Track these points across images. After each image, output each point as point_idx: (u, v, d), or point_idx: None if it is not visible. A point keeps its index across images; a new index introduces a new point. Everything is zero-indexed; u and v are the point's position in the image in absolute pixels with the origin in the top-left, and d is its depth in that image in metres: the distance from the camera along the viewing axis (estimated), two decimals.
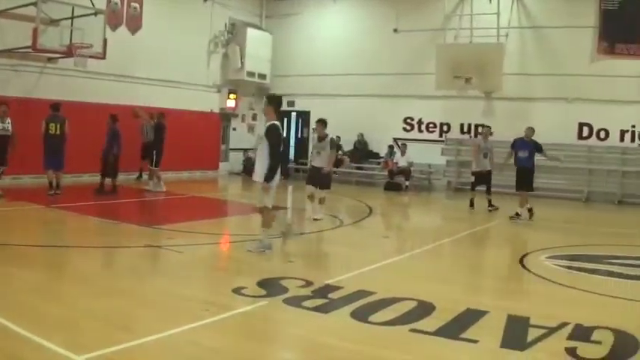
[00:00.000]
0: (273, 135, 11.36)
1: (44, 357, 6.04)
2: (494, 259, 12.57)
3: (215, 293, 9.05)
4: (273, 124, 11.46)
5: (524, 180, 18.20)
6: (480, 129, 18.39)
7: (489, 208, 19.87)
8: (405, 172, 26.29)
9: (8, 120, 17.38)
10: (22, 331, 6.57)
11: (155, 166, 20.63)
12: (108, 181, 19.81)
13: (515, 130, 25.24)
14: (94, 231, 13.94)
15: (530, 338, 6.99)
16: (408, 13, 28.06)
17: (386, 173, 27.17)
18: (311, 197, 16.68)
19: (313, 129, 20.63)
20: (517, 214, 17.88)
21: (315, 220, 15.88)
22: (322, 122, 16.42)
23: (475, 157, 20.32)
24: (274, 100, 12.01)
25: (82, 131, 20.73)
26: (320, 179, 16.25)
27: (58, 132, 18.39)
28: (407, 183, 26.31)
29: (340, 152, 29.23)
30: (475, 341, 6.77)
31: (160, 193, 20.38)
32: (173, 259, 11.35)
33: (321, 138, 16.36)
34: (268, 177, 11.47)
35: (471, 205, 20.35)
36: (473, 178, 20.95)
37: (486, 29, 25.60)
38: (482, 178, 20.28)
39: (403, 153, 26.80)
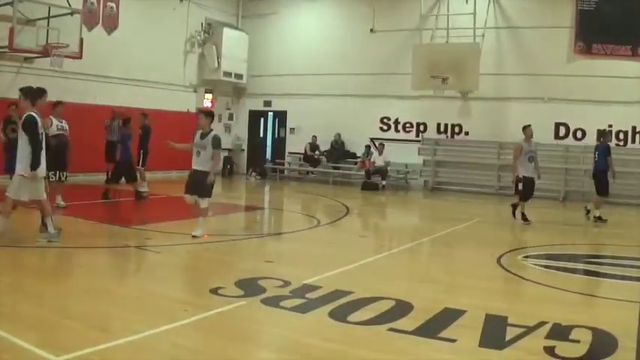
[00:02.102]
0: (27, 129, 11.57)
1: (21, 357, 6.01)
2: (472, 259, 12.57)
3: (193, 293, 9.04)
4: (29, 115, 11.57)
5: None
6: (525, 129, 16.88)
7: (524, 222, 17.32)
8: (382, 172, 26.33)
9: (65, 120, 16.89)
10: None
11: (142, 166, 20.56)
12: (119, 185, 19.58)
13: (490, 130, 25.48)
14: (71, 231, 13.86)
15: (508, 337, 6.99)
16: (384, 13, 28.06)
17: (363, 173, 27.19)
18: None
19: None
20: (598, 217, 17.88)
21: (194, 237, 12.83)
22: (206, 114, 13.73)
23: (518, 161, 17.48)
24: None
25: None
26: (200, 185, 13.12)
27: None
28: (384, 183, 26.34)
29: (317, 152, 29.30)
30: (453, 340, 6.77)
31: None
32: (151, 260, 11.33)
33: (204, 134, 13.28)
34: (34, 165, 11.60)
35: (525, 219, 17.32)
36: (514, 185, 18.03)
37: (463, 29, 25.71)
38: (532, 186, 17.66)
39: (380, 152, 26.82)
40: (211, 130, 13.32)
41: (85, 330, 6.56)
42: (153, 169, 23.42)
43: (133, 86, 25.90)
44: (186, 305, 7.91)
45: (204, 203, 13.04)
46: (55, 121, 16.38)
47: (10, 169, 16.75)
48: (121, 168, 19.27)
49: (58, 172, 16.10)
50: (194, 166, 13.28)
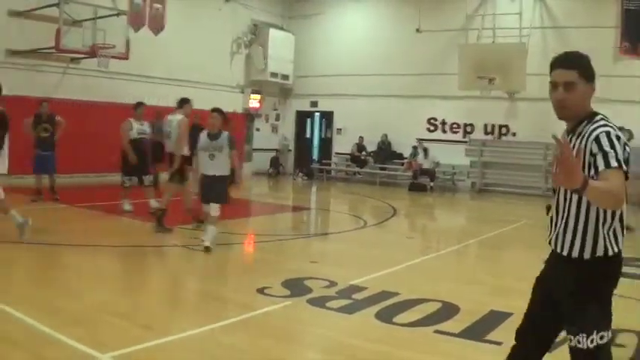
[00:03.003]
0: None
1: (66, 354, 6.10)
2: (519, 261, 12.49)
3: (239, 293, 9.08)
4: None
5: None
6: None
7: None
8: (430, 173, 26.26)
9: (146, 123, 16.35)
10: (44, 328, 6.65)
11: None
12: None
13: (536, 131, 25.22)
14: (121, 230, 14.01)
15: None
16: (430, 13, 27.93)
17: (410, 174, 27.15)
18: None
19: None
20: None
21: (207, 248, 11.51)
22: (221, 112, 12.57)
23: None
24: None
25: (103, 131, 20.89)
26: (218, 192, 11.87)
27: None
28: (431, 184, 26.28)
29: (364, 153, 29.29)
30: (499, 343, 6.73)
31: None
32: (197, 259, 11.41)
33: (213, 135, 11.95)
34: None
35: None
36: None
37: (509, 29, 25.45)
38: None
39: (426, 155, 26.74)
40: (220, 130, 11.98)
41: (131, 327, 6.63)
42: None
43: (178, 87, 25.99)
44: (232, 304, 7.98)
45: (217, 211, 11.77)
46: (135, 125, 15.67)
47: (41, 169, 16.90)
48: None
49: (139, 176, 15.77)
50: (209, 172, 11.80)
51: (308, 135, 33.80)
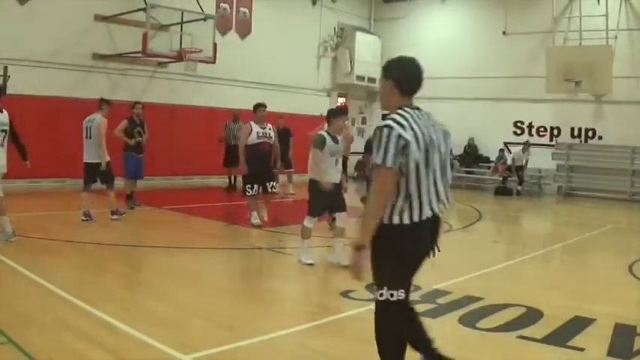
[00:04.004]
0: None
1: (148, 355, 6.29)
2: (604, 266, 12.39)
3: (323, 296, 9.22)
4: None
5: None
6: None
7: None
8: (520, 174, 26.16)
9: (270, 125, 15.16)
10: (127, 328, 6.86)
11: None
12: None
13: (623, 135, 24.87)
14: (203, 232, 14.26)
15: (636, 347, 6.96)
16: (516, 16, 27.75)
17: (497, 177, 27.03)
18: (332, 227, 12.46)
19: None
20: None
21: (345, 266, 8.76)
22: (346, 113, 12.45)
23: None
24: None
25: (191, 135, 21.29)
26: (342, 201, 11.20)
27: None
28: (519, 187, 26.15)
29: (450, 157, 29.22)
30: (582, 349, 6.76)
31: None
32: (282, 261, 11.58)
33: (336, 138, 11.06)
34: None
35: None
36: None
37: (595, 31, 25.08)
38: None
39: (524, 150, 26.48)
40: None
41: (214, 329, 6.77)
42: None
43: (265, 90, 26.29)
44: (316, 307, 8.11)
45: (346, 222, 11.02)
46: (255, 128, 14.66)
47: (136, 173, 17.00)
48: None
49: (261, 184, 14.56)
50: (333, 179, 10.89)
51: None
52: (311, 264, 10.64)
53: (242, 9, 26.19)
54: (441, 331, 7.44)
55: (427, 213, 5.01)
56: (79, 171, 17.17)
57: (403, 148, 4.74)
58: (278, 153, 15.75)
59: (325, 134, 10.90)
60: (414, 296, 8.73)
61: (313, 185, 10.83)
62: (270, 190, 14.91)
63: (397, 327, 5.25)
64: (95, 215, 14.46)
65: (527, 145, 26.66)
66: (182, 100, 23.05)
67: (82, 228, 13.67)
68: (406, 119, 4.90)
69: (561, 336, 7.25)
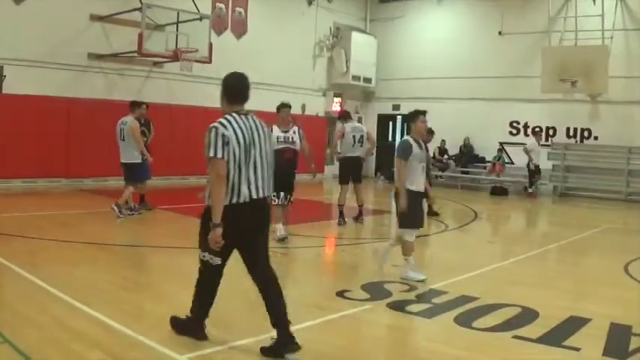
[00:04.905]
0: None
1: (145, 355, 6.31)
2: (599, 266, 12.41)
3: (319, 296, 9.20)
4: None
5: None
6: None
7: None
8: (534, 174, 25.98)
9: (295, 128, 13.42)
10: (124, 329, 6.88)
11: None
12: None
13: (619, 135, 24.91)
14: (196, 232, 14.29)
15: (632, 347, 6.97)
16: (512, 16, 27.83)
17: (493, 177, 27.10)
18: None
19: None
20: None
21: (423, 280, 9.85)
22: (421, 113, 10.88)
23: None
24: None
25: (188, 135, 21.32)
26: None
27: None
28: (532, 188, 26.05)
29: (445, 156, 29.26)
30: (578, 349, 6.77)
31: None
32: (277, 261, 11.58)
33: (420, 143, 10.38)
34: None
35: None
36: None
37: (591, 31, 25.11)
38: None
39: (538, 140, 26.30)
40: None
41: (210, 329, 6.75)
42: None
43: (261, 90, 26.28)
44: (311, 307, 8.12)
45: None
46: (276, 132, 12.98)
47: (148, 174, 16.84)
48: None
49: (281, 193, 12.87)
50: (421, 187, 10.25)
51: (390, 138, 33.83)
52: (423, 280, 9.80)
53: (238, 9, 26.25)
54: (437, 331, 7.49)
55: (246, 197, 6.23)
56: (75, 170, 17.26)
57: (227, 144, 6.10)
58: (307, 155, 13.89)
59: (411, 140, 10.15)
60: (409, 296, 8.79)
61: (411, 196, 9.87)
62: (286, 202, 13.13)
63: (211, 276, 6.76)
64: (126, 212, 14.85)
65: (539, 135, 26.63)
66: (178, 100, 23.08)
67: (77, 228, 13.66)
68: (229, 121, 6.30)
69: (557, 336, 7.26)
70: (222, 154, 6.07)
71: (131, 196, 15.41)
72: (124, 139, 15.14)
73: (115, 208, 14.82)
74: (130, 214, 15.11)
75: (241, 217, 6.25)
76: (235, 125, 6.28)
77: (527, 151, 25.41)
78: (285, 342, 6.33)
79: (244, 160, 6.22)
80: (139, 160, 15.31)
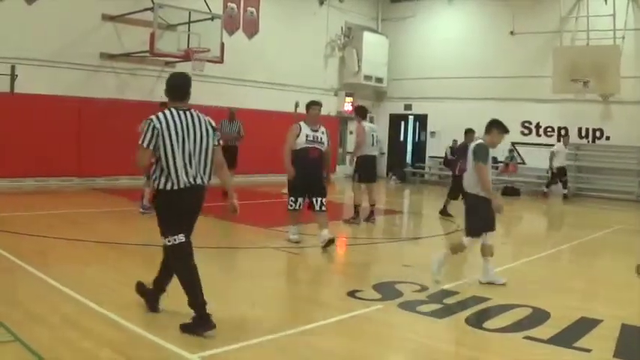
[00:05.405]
0: None
1: (156, 354, 6.31)
2: (611, 267, 12.37)
3: (330, 295, 9.21)
4: None
5: None
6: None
7: None
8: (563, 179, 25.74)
9: (323, 129, 12.68)
10: (135, 327, 6.88)
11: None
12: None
13: (631, 135, 24.80)
14: (210, 232, 14.27)
15: None
16: (524, 16, 27.79)
17: (505, 177, 27.05)
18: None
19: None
20: None
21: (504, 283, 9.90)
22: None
23: None
24: None
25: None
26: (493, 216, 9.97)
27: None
28: (565, 191, 25.69)
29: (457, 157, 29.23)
30: (588, 350, 6.74)
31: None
32: (289, 261, 11.58)
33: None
34: None
35: None
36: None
37: (602, 31, 25.06)
38: None
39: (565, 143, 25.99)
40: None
41: (221, 329, 6.74)
42: None
43: (272, 90, 26.41)
44: (323, 307, 8.11)
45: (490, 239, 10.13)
46: (305, 130, 12.42)
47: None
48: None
49: (308, 198, 12.43)
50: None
51: (401, 138, 33.83)
52: (504, 283, 9.74)
53: (249, 8, 26.27)
54: (448, 331, 7.48)
55: (184, 183, 6.87)
56: (87, 169, 17.26)
57: (157, 135, 6.80)
58: (328, 162, 13.08)
59: (487, 144, 10.08)
60: (420, 296, 8.77)
61: (480, 202, 9.76)
62: (318, 208, 12.37)
63: (183, 261, 7.12)
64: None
65: (566, 138, 26.22)
66: (191, 99, 23.07)
67: (89, 227, 13.68)
68: (165, 115, 6.92)
69: (568, 337, 7.23)
70: (149, 144, 6.81)
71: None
72: None
73: (141, 210, 15.13)
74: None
75: (176, 201, 6.92)
76: (170, 119, 6.92)
77: (552, 154, 25.31)
78: (203, 320, 6.79)
79: (178, 150, 6.86)
80: None
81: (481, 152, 9.83)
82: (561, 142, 25.94)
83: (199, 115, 7.27)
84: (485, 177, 9.70)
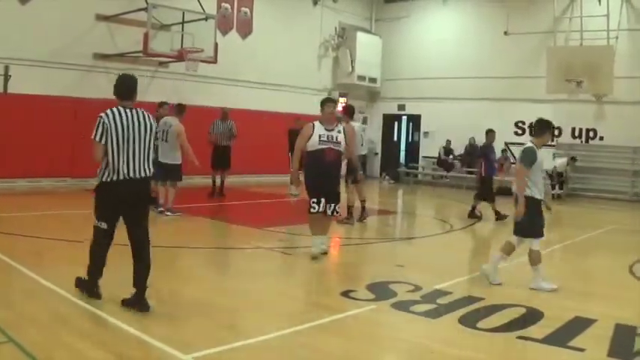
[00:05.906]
0: None
1: (149, 354, 6.32)
2: (605, 267, 12.38)
3: (324, 296, 9.22)
4: None
5: None
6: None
7: None
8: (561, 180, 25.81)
9: (340, 127, 11.58)
10: (128, 328, 6.87)
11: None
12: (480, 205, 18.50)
13: (624, 135, 24.84)
14: (204, 232, 14.27)
15: (637, 348, 6.96)
16: (517, 16, 27.83)
17: (498, 178, 27.09)
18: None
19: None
20: None
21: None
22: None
23: None
24: None
25: (194, 135, 21.29)
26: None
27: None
28: (560, 192, 25.78)
29: (451, 156, 29.24)
30: (582, 350, 6.75)
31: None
32: (282, 261, 11.58)
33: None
34: None
35: None
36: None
37: (596, 32, 25.10)
38: None
39: (569, 163, 26.06)
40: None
41: (215, 329, 6.76)
42: (287, 172, 23.79)
43: (266, 90, 26.41)
44: (316, 307, 8.12)
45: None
46: (318, 130, 11.35)
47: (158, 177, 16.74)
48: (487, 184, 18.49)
49: (326, 203, 11.35)
50: (543, 196, 10.09)
51: (395, 138, 33.86)
52: (555, 289, 9.68)
53: (243, 9, 26.27)
54: (441, 331, 7.48)
55: (123, 175, 7.49)
56: (80, 170, 17.22)
57: (106, 130, 7.46)
58: (355, 163, 13.41)
59: (535, 147, 9.88)
60: (414, 296, 8.78)
61: (535, 204, 9.81)
62: (330, 213, 11.56)
63: (97, 243, 7.94)
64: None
65: (573, 160, 26.30)
66: (183, 100, 22.82)
67: (83, 227, 13.65)
68: (113, 112, 7.60)
69: (562, 336, 7.25)
70: (100, 138, 7.48)
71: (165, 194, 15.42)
72: (166, 141, 15.32)
73: (169, 213, 15.18)
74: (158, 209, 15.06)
75: (117, 191, 7.57)
76: (117, 116, 7.59)
77: (554, 167, 25.30)
78: (138, 301, 7.50)
79: (122, 144, 7.51)
80: (180, 162, 15.66)
81: (527, 157, 9.77)
82: (565, 162, 25.93)
83: (143, 112, 7.90)
84: (520, 179, 9.75)
